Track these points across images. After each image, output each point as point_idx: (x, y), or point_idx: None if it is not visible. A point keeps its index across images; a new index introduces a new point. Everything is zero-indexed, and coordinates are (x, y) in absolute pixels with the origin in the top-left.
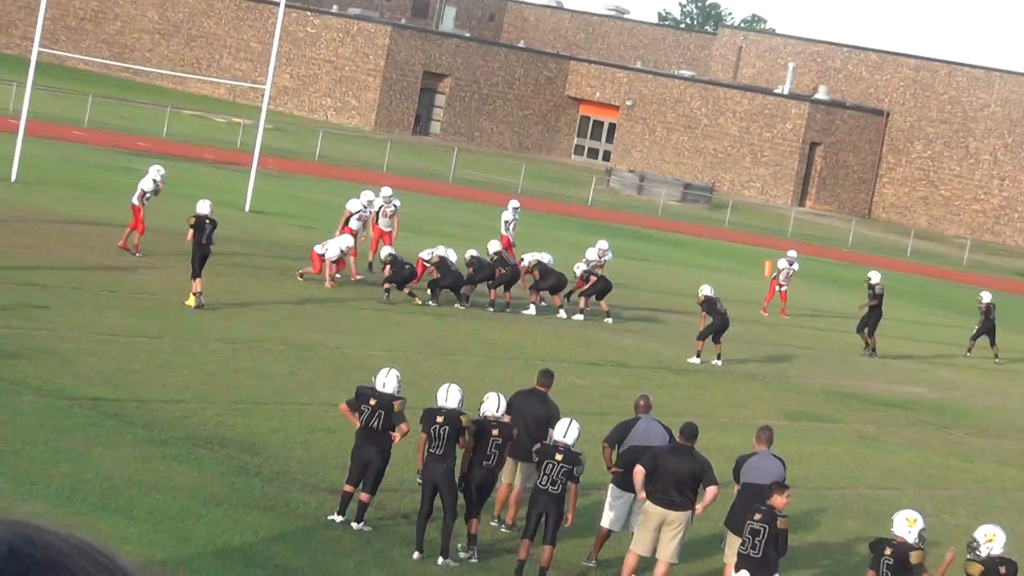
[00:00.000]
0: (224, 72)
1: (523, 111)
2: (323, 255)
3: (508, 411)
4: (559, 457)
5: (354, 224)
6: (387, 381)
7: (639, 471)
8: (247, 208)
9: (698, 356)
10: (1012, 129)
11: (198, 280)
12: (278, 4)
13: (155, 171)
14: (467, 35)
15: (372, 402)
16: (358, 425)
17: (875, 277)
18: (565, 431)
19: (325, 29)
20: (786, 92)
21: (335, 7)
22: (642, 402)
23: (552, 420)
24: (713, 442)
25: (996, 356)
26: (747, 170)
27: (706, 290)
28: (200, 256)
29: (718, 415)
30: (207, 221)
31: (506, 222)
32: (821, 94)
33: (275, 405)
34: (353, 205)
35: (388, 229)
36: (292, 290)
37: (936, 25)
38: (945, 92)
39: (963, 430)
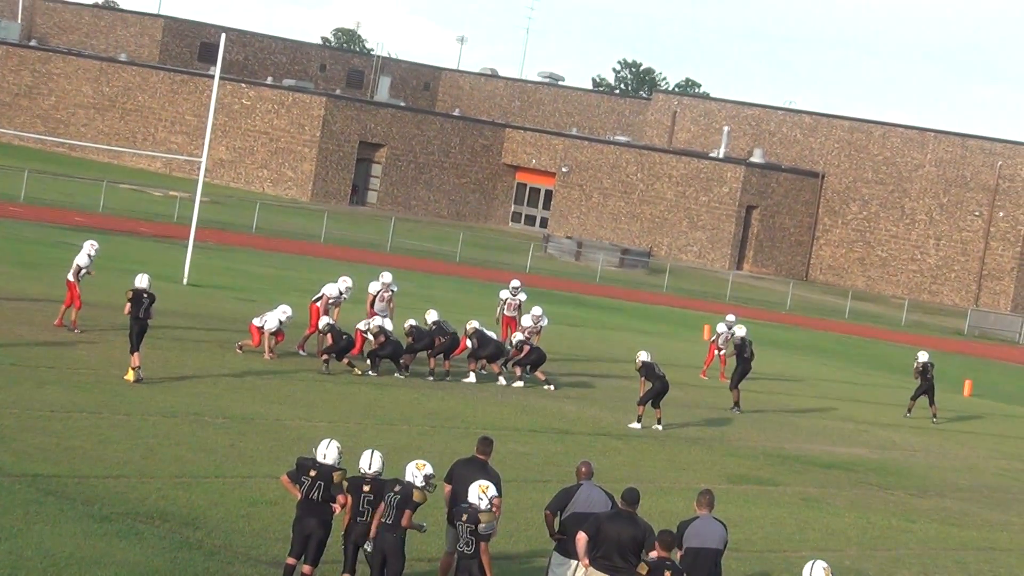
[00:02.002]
0: (160, 145)
1: (460, 179)
2: (262, 327)
3: (448, 480)
4: (464, 517)
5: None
6: (328, 452)
7: (581, 537)
8: (185, 281)
9: (639, 421)
10: (947, 189)
11: (136, 354)
12: (213, 77)
13: (89, 246)
14: (402, 104)
15: (312, 473)
16: (299, 496)
17: (740, 331)
18: (476, 493)
19: (260, 101)
20: (721, 156)
21: (270, 79)
22: (584, 469)
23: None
24: (655, 507)
25: (934, 416)
26: (684, 234)
27: (643, 356)
28: (138, 330)
29: (660, 480)
30: (145, 295)
31: (501, 300)
32: (756, 157)
33: (216, 478)
34: (330, 290)
35: (384, 314)
36: (231, 363)
37: (869, 86)
38: (880, 153)
39: (905, 490)
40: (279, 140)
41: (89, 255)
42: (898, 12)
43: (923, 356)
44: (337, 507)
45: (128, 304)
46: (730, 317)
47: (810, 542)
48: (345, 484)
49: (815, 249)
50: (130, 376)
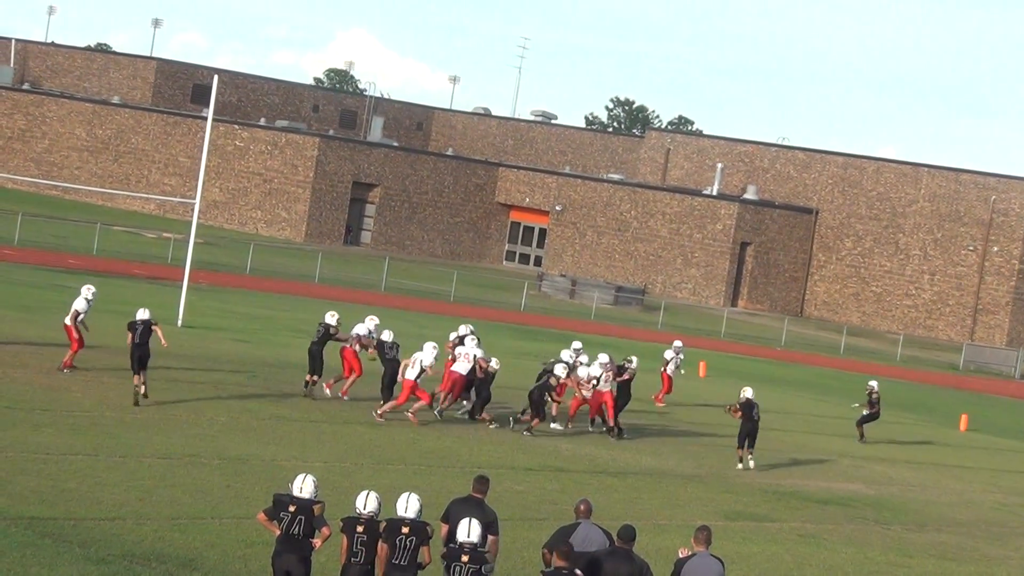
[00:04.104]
0: (153, 187)
1: (453, 218)
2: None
3: (445, 519)
4: (465, 558)
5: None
6: (304, 486)
7: None
8: (179, 323)
9: (741, 462)
10: (940, 224)
11: (137, 376)
12: (206, 118)
13: (86, 291)
14: (395, 144)
15: (292, 508)
16: (278, 533)
17: (632, 363)
18: (468, 530)
19: (253, 142)
20: (715, 193)
21: (263, 120)
22: (582, 507)
23: (490, 526)
24: (651, 544)
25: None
26: (679, 271)
27: (748, 392)
28: (138, 356)
29: (656, 517)
30: (140, 323)
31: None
32: (750, 194)
33: (212, 520)
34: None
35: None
36: (226, 404)
37: (862, 122)
38: (873, 189)
39: (902, 525)
40: (272, 181)
41: (87, 299)
42: (890, 48)
43: (875, 383)
44: (318, 541)
45: (128, 333)
46: (677, 343)
47: None
48: (340, 524)
49: (810, 285)
50: (141, 394)
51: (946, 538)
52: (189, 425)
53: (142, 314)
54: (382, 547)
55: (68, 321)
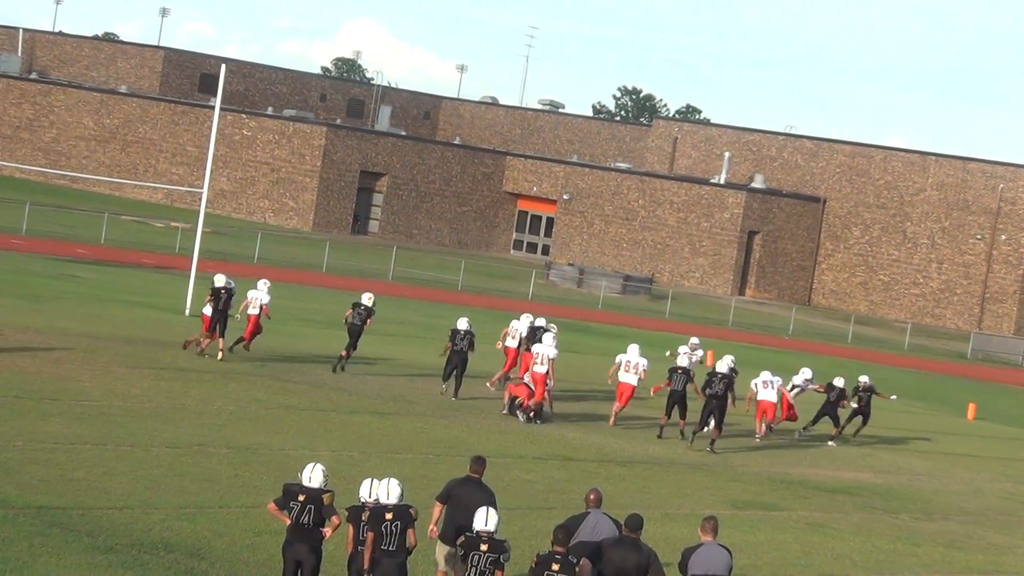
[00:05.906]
0: (161, 177)
1: (461, 207)
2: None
3: (444, 499)
4: (484, 547)
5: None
6: (313, 476)
7: (586, 564)
8: (187, 312)
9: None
10: (948, 212)
11: (222, 340)
12: (213, 108)
13: (263, 284)
14: (403, 133)
15: (301, 498)
16: (288, 522)
17: (723, 365)
18: (485, 519)
19: (261, 131)
20: (722, 181)
21: (270, 109)
22: (592, 496)
23: (491, 504)
24: (660, 533)
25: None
26: (686, 260)
27: (864, 379)
28: (221, 320)
29: (664, 506)
30: (223, 291)
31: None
32: (757, 183)
33: (220, 508)
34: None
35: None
36: (234, 393)
37: (869, 111)
38: (881, 177)
39: (909, 514)
40: (280, 170)
41: (266, 292)
42: (898, 36)
43: (864, 379)
44: (328, 530)
45: (209, 298)
46: (693, 340)
47: (815, 567)
48: (345, 514)
49: (817, 274)
50: (220, 356)
51: (954, 527)
52: (197, 414)
53: (221, 280)
54: (368, 535)
55: (253, 311)
